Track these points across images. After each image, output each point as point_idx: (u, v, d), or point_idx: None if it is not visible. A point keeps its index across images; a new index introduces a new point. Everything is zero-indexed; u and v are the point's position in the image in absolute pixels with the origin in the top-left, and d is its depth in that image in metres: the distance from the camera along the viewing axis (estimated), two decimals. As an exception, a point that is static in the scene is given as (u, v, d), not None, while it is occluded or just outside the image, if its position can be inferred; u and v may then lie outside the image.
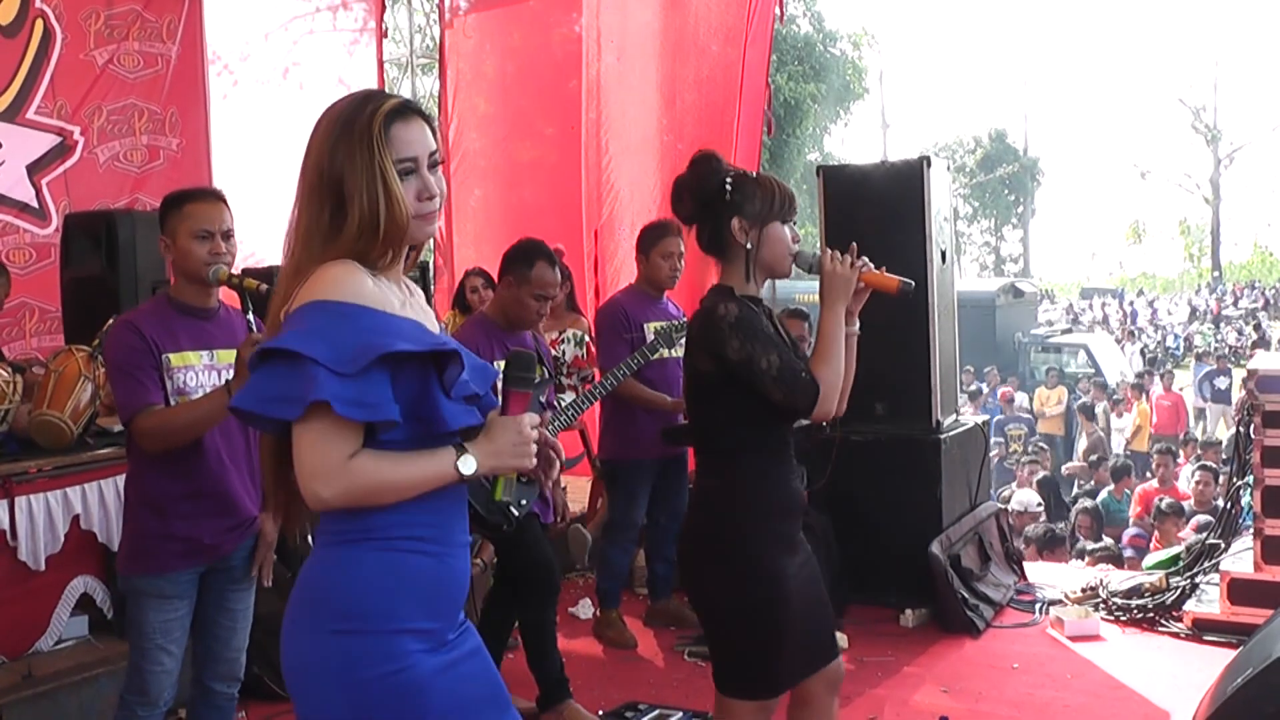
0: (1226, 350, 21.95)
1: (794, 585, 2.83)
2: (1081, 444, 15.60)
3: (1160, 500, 9.23)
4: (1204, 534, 5.87)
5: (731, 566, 2.79)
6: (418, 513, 1.95)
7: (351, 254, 1.95)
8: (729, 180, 2.87)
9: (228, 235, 3.25)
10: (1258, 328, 27.31)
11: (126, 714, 3.27)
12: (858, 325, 2.95)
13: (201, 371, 3.24)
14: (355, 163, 1.95)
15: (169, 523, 3.19)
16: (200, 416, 3.13)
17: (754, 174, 2.93)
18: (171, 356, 3.18)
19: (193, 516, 3.22)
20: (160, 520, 3.19)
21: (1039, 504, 9.80)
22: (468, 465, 1.94)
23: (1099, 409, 16.56)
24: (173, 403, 3.17)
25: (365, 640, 1.91)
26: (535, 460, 1.99)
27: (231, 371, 3.23)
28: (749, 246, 2.86)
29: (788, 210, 2.89)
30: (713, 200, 2.88)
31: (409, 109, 2.02)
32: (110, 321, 3.50)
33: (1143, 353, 24.31)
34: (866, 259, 2.88)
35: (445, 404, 1.95)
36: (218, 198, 3.29)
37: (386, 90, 2.11)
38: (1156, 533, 8.93)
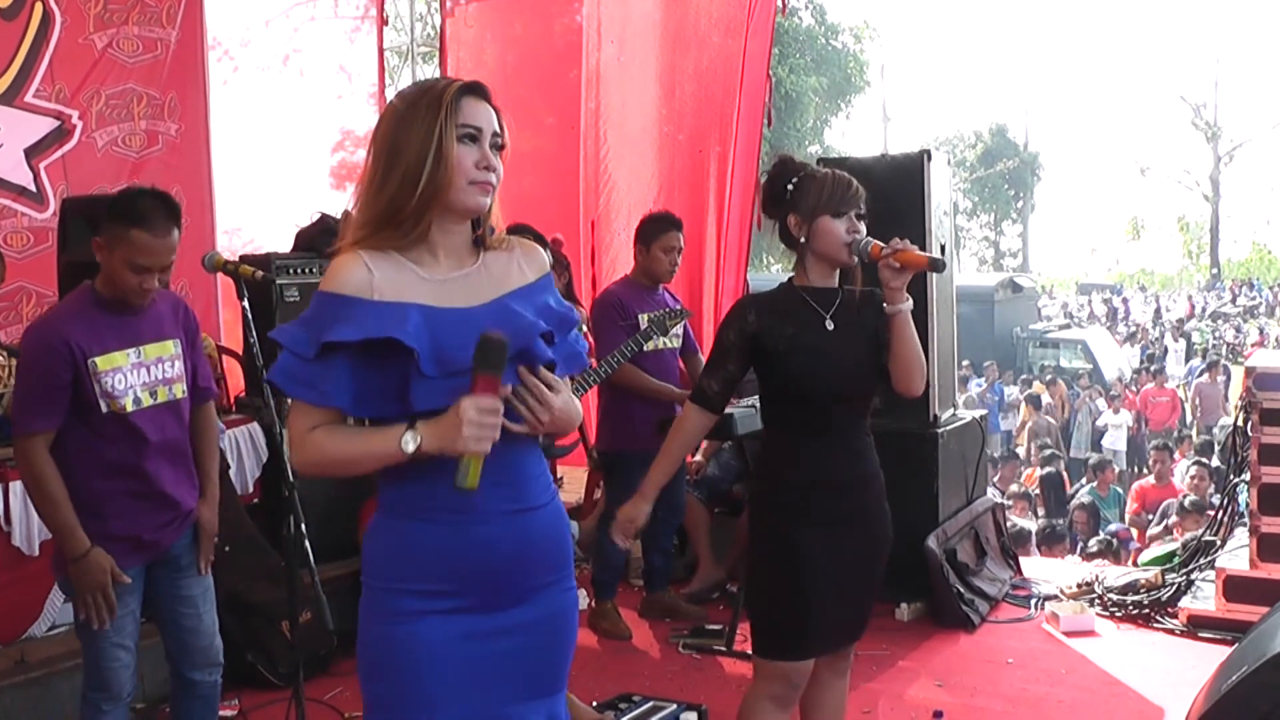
0: (1224, 347, 21.93)
1: (820, 556, 2.97)
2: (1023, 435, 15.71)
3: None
4: (1200, 530, 5.88)
5: (757, 532, 3.06)
6: (434, 484, 2.03)
7: (382, 215, 2.05)
8: (794, 180, 3.07)
9: (165, 268, 3.15)
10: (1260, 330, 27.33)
11: (92, 712, 3.27)
12: (907, 303, 3.04)
13: (130, 371, 3.19)
14: (417, 126, 2.05)
15: (107, 523, 3.17)
16: None
17: (819, 170, 3.11)
18: (98, 360, 3.11)
19: (131, 515, 3.21)
20: (98, 521, 3.16)
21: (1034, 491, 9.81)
22: (409, 443, 1.99)
23: (1096, 404, 16.59)
24: (102, 407, 3.11)
25: (374, 595, 2.11)
26: (488, 446, 1.96)
27: (162, 366, 3.26)
28: (802, 240, 3.05)
29: (838, 202, 3.03)
30: (778, 199, 3.10)
31: (482, 90, 2.13)
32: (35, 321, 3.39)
33: (1142, 349, 24.28)
34: (906, 240, 3.00)
35: (418, 385, 2.01)
36: (171, 221, 3.12)
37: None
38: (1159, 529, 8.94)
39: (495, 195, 2.13)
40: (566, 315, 2.21)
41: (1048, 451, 13.46)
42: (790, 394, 3.01)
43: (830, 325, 3.02)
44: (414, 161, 2.03)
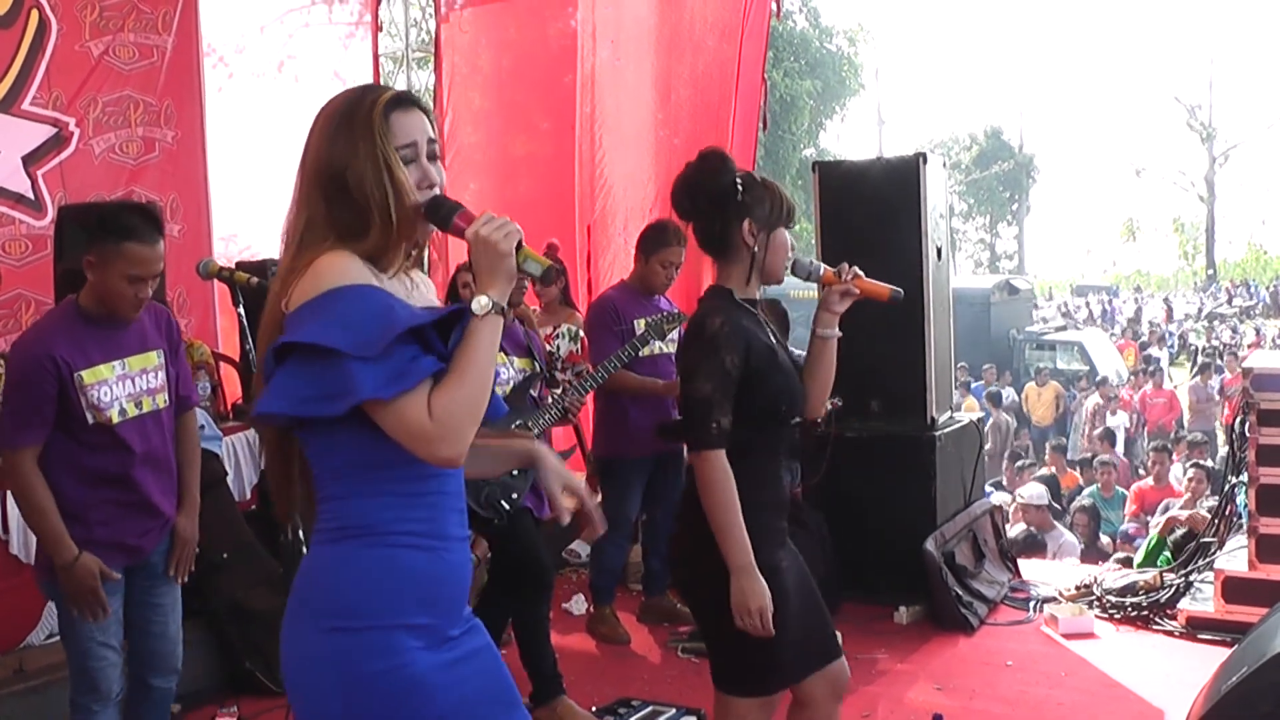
0: (1220, 348, 21.95)
1: (791, 577, 2.86)
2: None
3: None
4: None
5: (720, 566, 2.75)
6: (410, 507, 1.96)
7: (364, 252, 1.95)
8: (739, 180, 2.88)
9: (156, 276, 3.25)
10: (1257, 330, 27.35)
11: (83, 715, 3.32)
12: (838, 330, 3.00)
13: (115, 384, 3.26)
14: (358, 152, 1.95)
15: (92, 529, 3.24)
16: None
17: (754, 175, 2.96)
18: (84, 374, 3.19)
19: (115, 521, 3.28)
20: (83, 528, 3.23)
21: (1041, 497, 9.76)
22: (481, 304, 1.93)
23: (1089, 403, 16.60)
24: (89, 419, 3.19)
25: (360, 637, 1.91)
26: (520, 231, 1.94)
27: (146, 377, 3.31)
28: (756, 250, 2.88)
29: (790, 216, 2.94)
30: (723, 199, 2.88)
31: (407, 99, 2.02)
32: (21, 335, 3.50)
33: (1140, 348, 24.28)
34: (857, 269, 2.97)
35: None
36: (156, 232, 3.22)
37: (383, 84, 2.12)
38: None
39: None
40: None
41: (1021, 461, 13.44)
42: (768, 413, 2.84)
43: (772, 339, 2.92)
44: (378, 197, 1.94)
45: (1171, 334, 28.10)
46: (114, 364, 3.26)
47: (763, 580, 2.70)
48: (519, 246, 1.95)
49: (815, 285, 3.02)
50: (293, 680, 1.98)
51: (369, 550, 1.94)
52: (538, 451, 2.29)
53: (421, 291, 2.11)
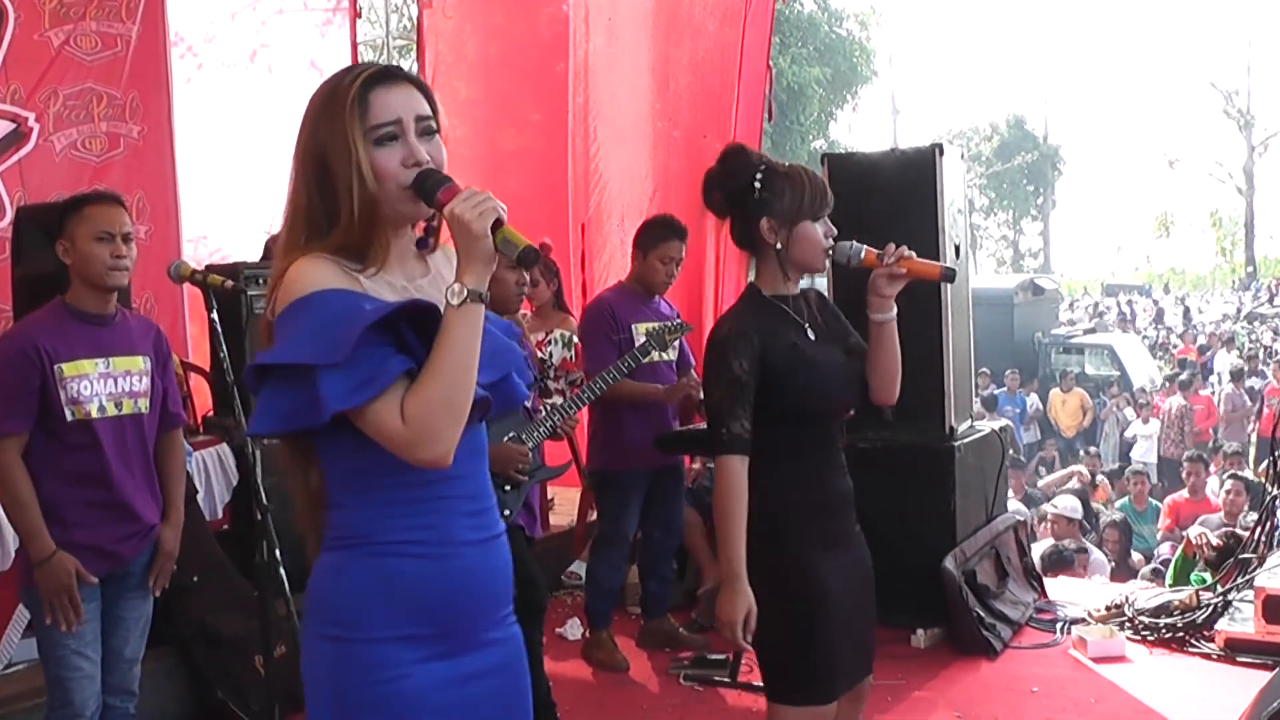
0: (1260, 351, 21.94)
1: (835, 583, 2.96)
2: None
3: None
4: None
5: (765, 565, 2.91)
6: (409, 514, 1.99)
7: (342, 246, 1.97)
8: (759, 176, 2.97)
9: (128, 238, 3.45)
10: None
11: None
12: (892, 313, 3.05)
13: (96, 380, 3.44)
14: (334, 138, 1.97)
15: (69, 531, 3.38)
16: None
17: (785, 167, 3.04)
18: (65, 366, 3.37)
19: (93, 524, 3.42)
20: (60, 529, 3.37)
21: (1075, 509, 9.77)
22: (457, 293, 1.91)
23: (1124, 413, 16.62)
24: (68, 415, 3.37)
25: (352, 648, 1.97)
26: (499, 209, 1.92)
27: (130, 380, 3.50)
28: (779, 247, 2.97)
29: (819, 205, 3.00)
30: (742, 197, 2.99)
31: (391, 74, 2.02)
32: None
33: (1199, 352, 24.27)
34: (906, 249, 3.00)
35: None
36: (116, 201, 3.52)
37: (405, 70, 2.11)
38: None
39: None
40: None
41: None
42: (793, 412, 2.96)
43: (812, 335, 3.01)
44: (342, 184, 1.95)
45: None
46: (97, 361, 3.44)
47: (748, 593, 2.83)
48: (498, 225, 1.92)
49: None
50: (304, 684, 2.06)
51: (363, 560, 1.99)
52: None
53: (443, 277, 2.08)
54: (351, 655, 1.97)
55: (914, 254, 2.99)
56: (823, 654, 2.92)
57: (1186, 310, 33.97)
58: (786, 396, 2.92)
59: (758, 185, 2.96)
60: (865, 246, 3.02)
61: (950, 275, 3.05)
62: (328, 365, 1.87)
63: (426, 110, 2.03)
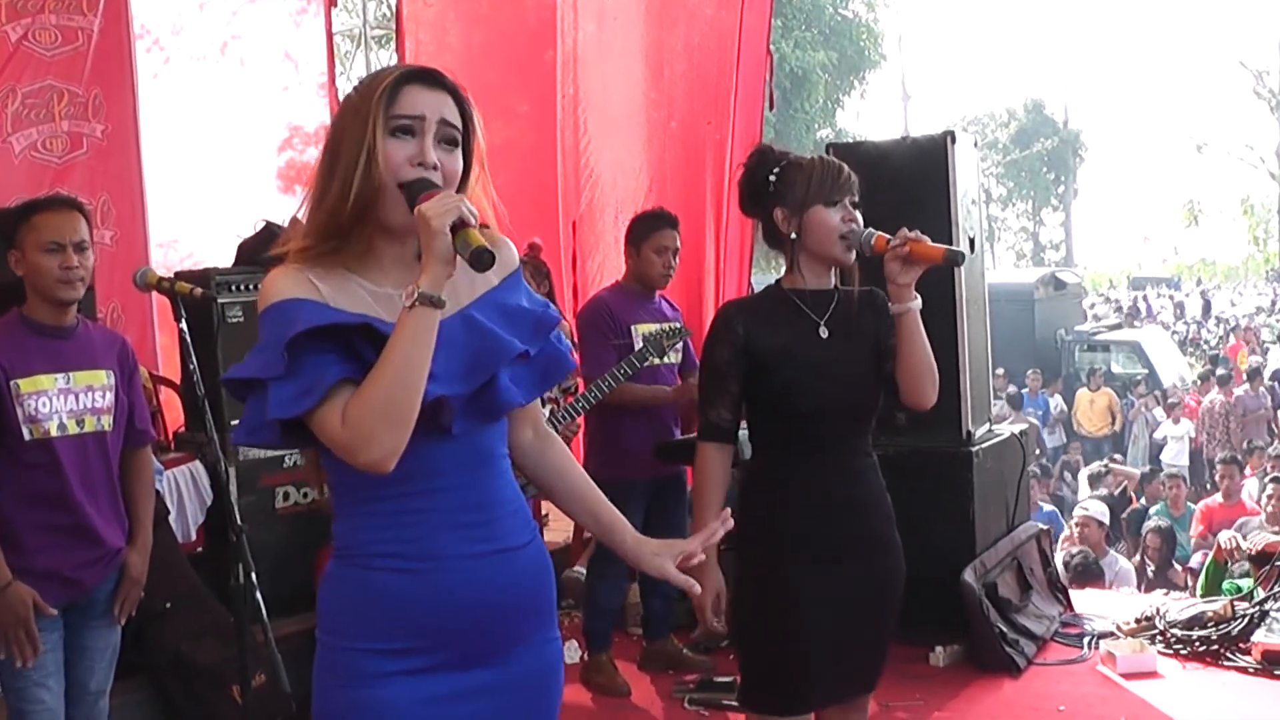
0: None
1: (814, 594, 2.98)
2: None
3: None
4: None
5: (744, 568, 3.05)
6: (387, 527, 2.05)
7: (322, 227, 2.04)
8: (775, 171, 3.09)
9: (81, 247, 3.42)
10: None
11: None
12: (914, 303, 3.06)
13: (56, 396, 3.42)
14: (355, 123, 2.03)
15: (27, 557, 3.36)
16: None
17: (802, 159, 3.14)
18: (21, 382, 3.36)
19: (53, 549, 3.40)
20: (18, 555, 3.35)
21: (1104, 514, 9.77)
22: (410, 296, 1.93)
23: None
24: (25, 433, 3.35)
25: (337, 655, 2.09)
26: (462, 209, 1.92)
27: (92, 395, 3.48)
28: (793, 236, 3.06)
29: (830, 190, 3.05)
30: (759, 193, 3.13)
31: (431, 75, 2.09)
32: None
33: (1203, 350, 24.35)
34: (916, 231, 3.04)
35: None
36: (71, 206, 3.50)
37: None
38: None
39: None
40: (543, 314, 2.21)
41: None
42: (780, 411, 3.04)
43: (824, 333, 3.05)
44: (349, 164, 2.01)
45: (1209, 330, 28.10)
46: (56, 376, 3.42)
47: (716, 575, 3.03)
48: (459, 226, 1.93)
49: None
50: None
51: (345, 570, 2.10)
52: (634, 550, 2.37)
53: (450, 284, 2.06)
54: (336, 662, 2.09)
55: (925, 238, 3.02)
56: (792, 663, 2.97)
57: (1207, 305, 33.97)
58: (771, 392, 3.04)
59: (773, 180, 3.08)
60: (876, 232, 3.05)
61: (957, 258, 3.06)
62: (274, 378, 1.96)
63: (456, 119, 2.08)
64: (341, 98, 2.16)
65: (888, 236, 3.02)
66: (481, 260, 1.92)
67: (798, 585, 2.97)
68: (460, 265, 1.99)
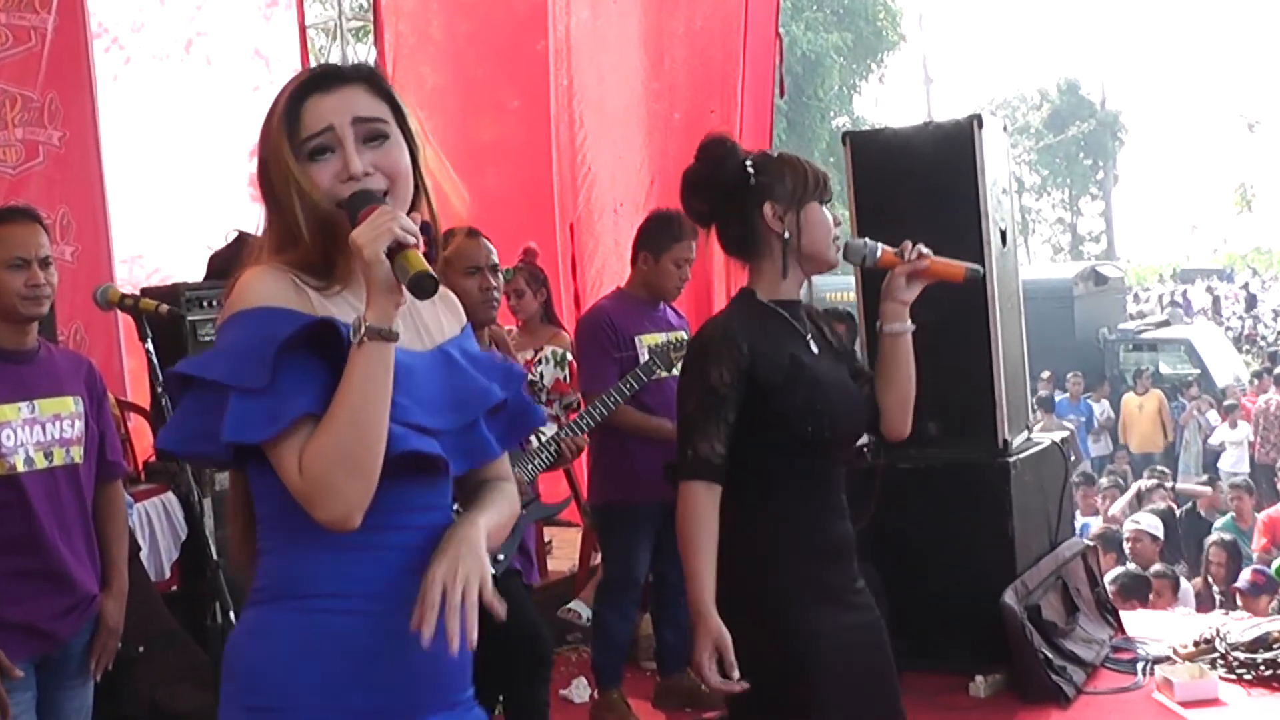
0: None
1: (838, 646, 2.89)
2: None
3: None
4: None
5: (753, 623, 2.84)
6: (344, 563, 1.97)
7: (303, 264, 2.00)
8: (750, 162, 2.97)
9: (46, 263, 3.39)
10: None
11: None
12: (910, 324, 3.04)
13: (20, 427, 3.34)
14: (270, 156, 2.02)
15: None
16: None
17: (775, 153, 3.05)
18: None
19: (24, 599, 3.32)
20: None
21: (1158, 527, 9.73)
22: (357, 331, 1.89)
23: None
24: None
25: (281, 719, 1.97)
26: (396, 229, 1.87)
27: (60, 425, 3.40)
28: (786, 235, 2.95)
29: (824, 189, 2.99)
30: (735, 189, 2.96)
31: (326, 76, 2.04)
32: None
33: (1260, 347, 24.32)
34: (923, 246, 3.00)
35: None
36: (31, 218, 3.47)
37: (312, 62, 2.14)
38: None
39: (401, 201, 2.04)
40: (509, 368, 2.23)
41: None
42: (788, 437, 2.89)
43: (815, 348, 2.98)
44: (287, 203, 2.00)
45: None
46: (19, 405, 3.35)
47: (718, 627, 2.79)
48: (397, 249, 1.88)
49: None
50: None
51: (292, 616, 1.98)
52: None
53: (418, 309, 2.09)
54: None
55: (930, 252, 2.99)
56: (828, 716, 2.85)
57: (1252, 298, 33.87)
58: (781, 417, 2.88)
59: (752, 171, 2.96)
60: (881, 244, 3.03)
61: (978, 276, 3.03)
62: (242, 389, 1.88)
63: (371, 111, 2.03)
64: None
65: (894, 250, 3.00)
66: (422, 286, 1.86)
67: (819, 637, 2.87)
68: (418, 299, 1.99)
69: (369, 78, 2.07)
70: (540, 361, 6.15)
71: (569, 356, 6.12)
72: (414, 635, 1.95)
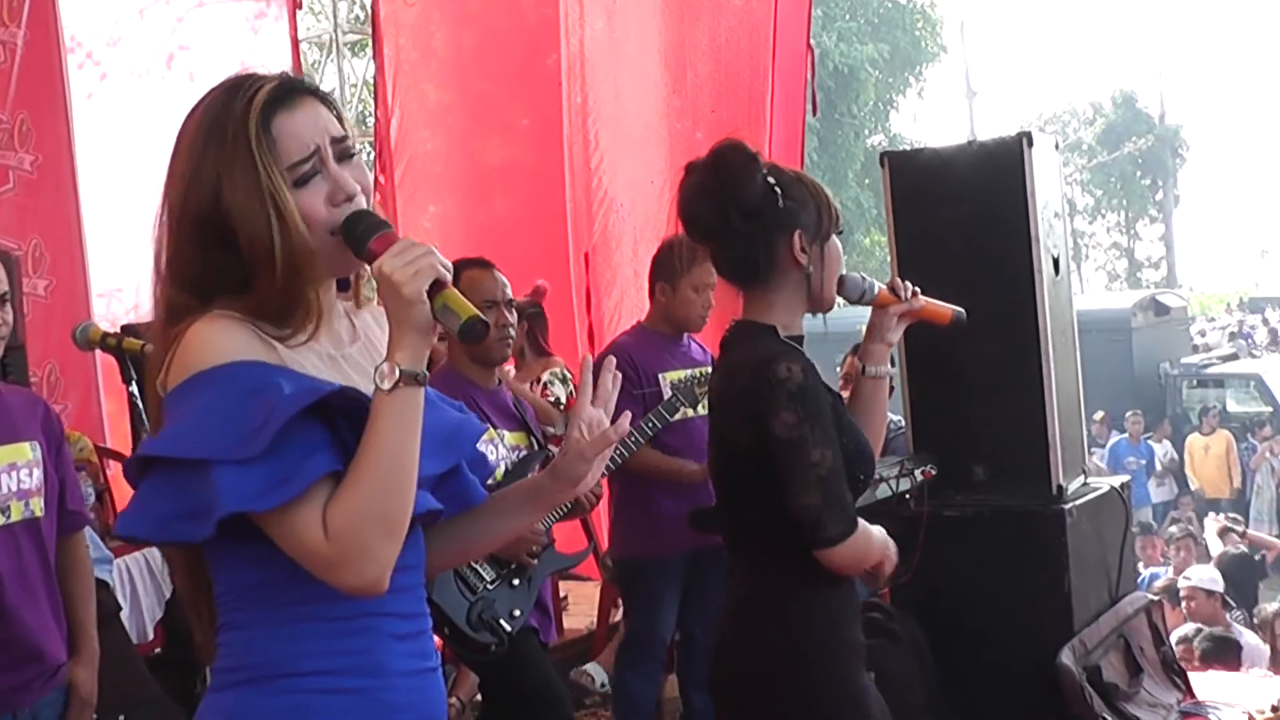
0: None
1: (878, 708, 2.93)
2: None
3: None
4: None
5: (802, 696, 2.84)
6: (327, 637, 1.96)
7: (260, 311, 1.94)
8: (773, 180, 2.90)
9: (1, 300, 3.32)
10: None
11: None
12: (890, 367, 3.14)
13: None
14: (234, 180, 1.92)
15: None
16: None
17: (790, 171, 3.03)
18: None
19: None
20: None
21: (1215, 581, 9.67)
22: (388, 376, 1.85)
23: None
24: None
25: None
26: (438, 268, 1.86)
27: (16, 475, 3.30)
28: (810, 270, 2.92)
29: (838, 219, 3.01)
30: (758, 209, 2.89)
31: (290, 89, 1.99)
32: None
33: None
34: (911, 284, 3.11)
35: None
36: None
37: (305, 78, 2.09)
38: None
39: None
40: (468, 416, 2.21)
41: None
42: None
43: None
44: (254, 238, 1.91)
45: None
46: None
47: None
48: (436, 288, 1.86)
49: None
50: None
51: (272, 697, 1.95)
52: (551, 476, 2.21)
53: (375, 344, 2.09)
54: None
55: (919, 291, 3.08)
56: None
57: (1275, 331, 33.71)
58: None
59: (779, 191, 2.89)
60: (877, 282, 3.09)
61: (960, 319, 3.15)
62: (229, 460, 1.82)
63: (339, 129, 2.00)
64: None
65: (889, 287, 3.07)
66: (474, 333, 1.85)
67: (869, 702, 2.89)
68: (369, 331, 2.01)
69: (317, 90, 2.05)
70: (549, 383, 6.20)
71: (569, 375, 6.22)
72: (409, 706, 1.97)
